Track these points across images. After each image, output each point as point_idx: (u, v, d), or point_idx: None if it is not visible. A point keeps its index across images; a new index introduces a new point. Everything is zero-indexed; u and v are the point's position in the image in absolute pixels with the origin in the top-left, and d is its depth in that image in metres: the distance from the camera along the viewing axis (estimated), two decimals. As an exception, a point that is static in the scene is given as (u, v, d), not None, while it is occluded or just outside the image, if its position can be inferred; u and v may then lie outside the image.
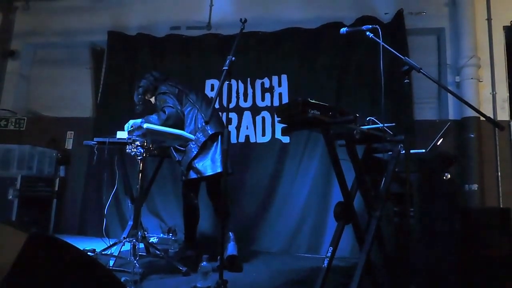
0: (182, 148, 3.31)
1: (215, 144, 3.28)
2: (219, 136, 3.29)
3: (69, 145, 5.33)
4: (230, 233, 3.24)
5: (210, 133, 3.25)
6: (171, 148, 3.39)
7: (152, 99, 3.57)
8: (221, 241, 2.29)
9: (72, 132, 5.35)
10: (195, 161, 3.23)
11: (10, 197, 4.31)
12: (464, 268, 2.59)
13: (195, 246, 3.51)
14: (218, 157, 3.23)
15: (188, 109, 3.36)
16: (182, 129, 3.24)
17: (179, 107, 3.29)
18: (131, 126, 3.09)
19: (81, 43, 5.54)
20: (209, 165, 3.21)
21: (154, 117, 3.17)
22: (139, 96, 3.53)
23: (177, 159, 3.35)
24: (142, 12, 5.31)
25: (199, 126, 3.28)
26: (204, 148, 3.24)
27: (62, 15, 5.55)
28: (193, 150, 3.24)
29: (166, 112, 3.17)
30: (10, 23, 5.77)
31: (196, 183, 3.35)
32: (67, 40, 5.54)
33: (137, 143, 2.93)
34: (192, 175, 3.24)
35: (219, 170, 3.18)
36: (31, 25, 5.68)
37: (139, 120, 3.13)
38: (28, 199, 4.45)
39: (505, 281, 2.67)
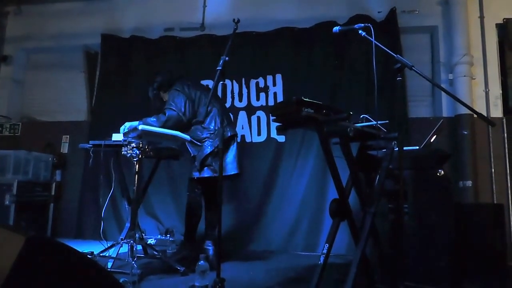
0: (199, 144, 3.32)
1: (231, 146, 3.37)
2: (235, 138, 3.40)
3: (64, 149, 5.32)
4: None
5: (229, 135, 3.33)
6: (187, 143, 3.38)
7: (165, 96, 3.55)
8: (218, 239, 2.30)
9: (68, 136, 5.34)
10: (213, 160, 3.25)
11: (7, 202, 4.30)
12: (459, 263, 2.62)
13: (194, 246, 3.50)
14: (234, 158, 3.33)
15: (209, 108, 3.36)
16: (183, 131, 3.24)
17: (183, 110, 3.27)
18: (127, 129, 3.10)
19: (74, 46, 5.52)
20: (226, 166, 3.27)
21: (152, 119, 3.17)
22: (154, 92, 3.53)
23: (192, 154, 3.37)
24: (136, 14, 5.30)
25: (218, 125, 3.29)
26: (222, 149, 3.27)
27: (55, 19, 5.53)
28: (208, 146, 3.28)
29: (166, 114, 3.19)
30: (2, 28, 5.73)
31: (206, 181, 3.37)
32: (60, 44, 5.53)
33: (133, 144, 2.94)
34: (208, 173, 3.27)
35: (235, 171, 3.31)
36: (24, 30, 5.65)
37: (136, 122, 3.14)
38: (25, 204, 4.44)
39: (497, 274, 2.70)
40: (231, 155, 3.35)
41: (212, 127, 3.31)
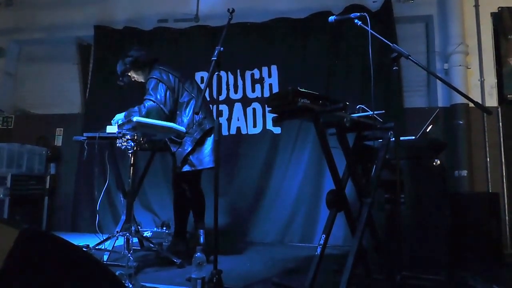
0: (178, 140, 3.25)
1: (208, 138, 3.25)
2: (213, 130, 3.25)
3: (58, 142, 5.29)
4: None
5: (208, 127, 3.23)
6: (167, 139, 3.34)
7: (136, 76, 3.43)
8: (215, 231, 2.29)
9: (61, 129, 5.30)
10: (191, 154, 3.20)
11: (1, 196, 4.27)
12: (455, 252, 2.63)
13: (185, 240, 3.49)
14: (211, 151, 3.22)
15: (186, 99, 3.27)
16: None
17: (163, 100, 3.15)
18: (117, 121, 3.09)
19: (67, 38, 5.46)
20: (203, 158, 3.20)
21: (135, 110, 3.10)
22: (126, 66, 3.33)
23: (173, 150, 3.30)
24: (129, 5, 5.24)
25: (197, 118, 3.22)
26: (200, 142, 3.21)
27: (47, 10, 5.45)
28: (188, 142, 3.20)
29: (146, 106, 3.10)
30: (-7, 20, 5.66)
31: (189, 175, 3.30)
32: (52, 35, 5.46)
33: (128, 137, 2.91)
34: (187, 168, 3.21)
35: (211, 165, 3.18)
36: (15, 21, 5.57)
37: (122, 114, 3.11)
38: (20, 198, 4.41)
39: (494, 262, 2.72)
40: (208, 148, 3.23)
41: (187, 120, 3.22)
